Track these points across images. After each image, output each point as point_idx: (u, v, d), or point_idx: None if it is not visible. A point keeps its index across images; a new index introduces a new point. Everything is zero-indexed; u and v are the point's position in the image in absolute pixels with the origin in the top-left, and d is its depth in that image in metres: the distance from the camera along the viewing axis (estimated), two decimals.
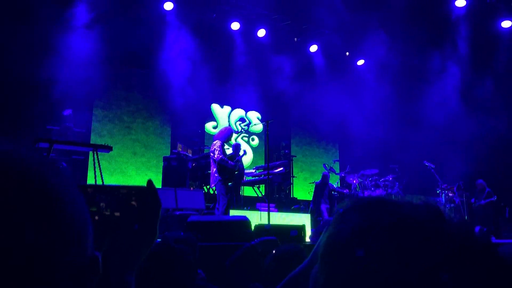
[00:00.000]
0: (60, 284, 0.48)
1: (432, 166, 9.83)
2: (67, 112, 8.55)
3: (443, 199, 9.60)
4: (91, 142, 8.87)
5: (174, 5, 10.19)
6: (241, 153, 7.53)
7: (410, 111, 12.12)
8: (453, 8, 11.27)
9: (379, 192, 9.97)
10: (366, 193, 9.96)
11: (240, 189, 9.45)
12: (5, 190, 0.45)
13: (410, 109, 12.14)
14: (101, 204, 0.90)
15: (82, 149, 6.89)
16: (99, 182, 6.14)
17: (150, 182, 0.94)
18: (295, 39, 11.96)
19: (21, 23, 7.96)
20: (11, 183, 0.46)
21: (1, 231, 0.43)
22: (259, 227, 5.70)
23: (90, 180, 8.46)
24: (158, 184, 9.54)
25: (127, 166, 10.23)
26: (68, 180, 0.52)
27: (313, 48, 12.25)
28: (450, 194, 9.69)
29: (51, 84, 8.37)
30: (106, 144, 6.32)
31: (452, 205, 9.59)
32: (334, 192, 9.81)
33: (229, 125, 11.78)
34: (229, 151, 7.76)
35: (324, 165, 10.66)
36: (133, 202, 0.91)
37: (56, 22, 8.73)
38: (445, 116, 11.31)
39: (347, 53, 12.73)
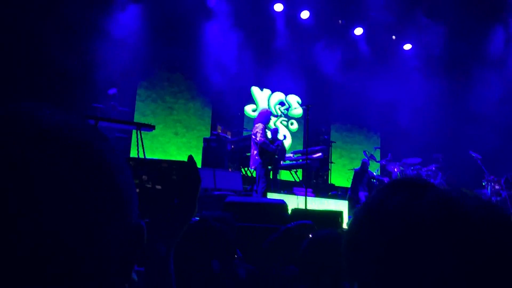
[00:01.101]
0: (111, 248, 0.50)
1: (479, 156, 9.44)
2: (112, 91, 8.78)
3: (489, 192, 9.23)
4: (135, 121, 9.12)
5: None
6: (280, 137, 7.52)
7: (457, 99, 11.64)
8: None
9: None
10: None
11: (277, 172, 9.47)
12: (63, 158, 0.47)
13: (457, 97, 11.66)
14: (143, 177, 0.93)
15: (126, 127, 7.09)
16: None
17: (191, 157, 0.95)
18: (340, 21, 11.69)
19: (64, 5, 8.22)
20: (69, 151, 0.48)
21: (61, 196, 0.46)
22: (296, 211, 5.71)
23: None
24: (198, 164, 9.68)
25: (169, 146, 10.47)
26: (116, 150, 0.54)
27: (358, 31, 11.93)
28: (496, 187, 9.29)
29: (97, 63, 8.63)
30: (149, 123, 6.48)
31: (499, 198, 9.20)
32: (373, 179, 9.64)
33: (269, 108, 11.75)
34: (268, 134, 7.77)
35: (364, 152, 10.47)
36: (174, 176, 0.93)
37: (100, 3, 8.96)
38: (494, 105, 10.78)
39: (394, 37, 12.31)
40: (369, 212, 0.62)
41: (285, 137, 7.82)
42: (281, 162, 9.68)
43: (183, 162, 0.96)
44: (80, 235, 0.46)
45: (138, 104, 10.40)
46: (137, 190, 0.92)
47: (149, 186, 0.94)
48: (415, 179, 0.64)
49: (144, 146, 6.41)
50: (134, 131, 7.80)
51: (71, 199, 0.46)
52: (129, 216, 0.53)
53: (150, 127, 6.41)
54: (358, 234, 0.62)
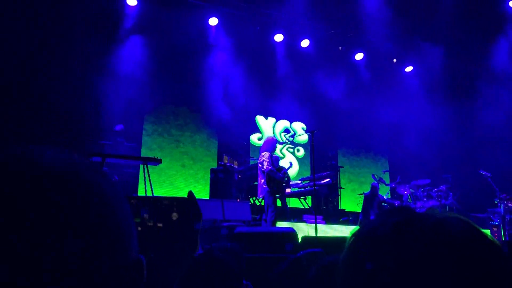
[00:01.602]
0: (110, 283, 0.51)
1: (488, 174, 9.32)
2: (119, 127, 8.91)
3: (502, 210, 9.07)
4: (142, 156, 9.18)
5: (218, 20, 10.43)
6: (284, 165, 7.51)
7: (463, 118, 11.61)
8: (508, 8, 10.75)
9: (432, 203, 9.60)
10: (419, 204, 9.62)
11: (285, 200, 9.42)
12: (61, 197, 0.50)
13: (463, 116, 11.63)
14: (145, 215, 0.94)
15: (133, 162, 7.15)
16: (149, 194, 6.33)
17: (190, 193, 0.97)
18: (340, 48, 11.86)
19: (69, 45, 8.44)
20: (68, 191, 0.51)
21: (60, 233, 0.48)
22: (306, 239, 5.64)
23: (141, 192, 8.75)
24: (205, 196, 9.71)
25: (176, 178, 10.50)
26: (116, 187, 0.57)
27: (359, 56, 12.08)
28: (509, 205, 9.13)
29: (102, 100, 8.79)
30: (155, 157, 6.53)
31: None
32: (384, 203, 9.54)
33: (274, 136, 11.81)
34: None
35: (373, 175, 10.42)
36: (175, 214, 0.94)
37: (105, 40, 9.19)
38: (502, 121, 10.73)
39: (395, 60, 12.44)
40: (356, 241, 0.64)
41: (291, 164, 7.81)
42: (288, 190, 9.65)
43: (183, 198, 0.97)
44: (78, 271, 0.48)
45: (145, 139, 10.50)
46: (139, 228, 0.93)
47: (150, 224, 0.95)
48: (405, 208, 0.66)
49: (152, 180, 6.44)
50: (141, 166, 7.86)
51: (69, 234, 0.48)
52: (129, 251, 0.54)
53: (157, 161, 6.45)
54: (348, 261, 0.63)
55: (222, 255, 1.75)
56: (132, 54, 9.66)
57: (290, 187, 9.96)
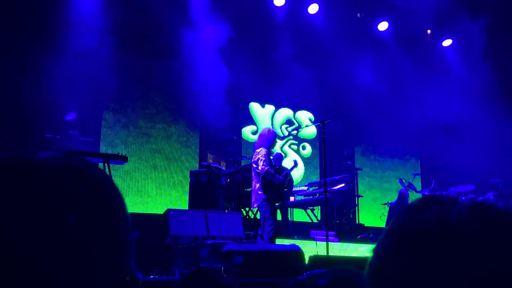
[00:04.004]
0: None
1: None
2: (71, 116, 8.88)
3: None
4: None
5: None
6: (287, 165, 7.55)
7: None
8: None
9: None
10: None
11: (287, 211, 9.46)
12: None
13: None
14: None
15: (90, 160, 7.15)
16: None
17: None
18: (358, 15, 11.91)
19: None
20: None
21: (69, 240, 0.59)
22: (315, 259, 5.69)
23: None
24: (184, 205, 9.73)
25: (146, 184, 10.50)
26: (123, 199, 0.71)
27: (383, 25, 12.15)
28: None
29: (49, 81, 8.75)
30: (120, 154, 6.55)
31: None
32: None
33: (273, 128, 11.85)
34: None
35: (400, 180, 10.48)
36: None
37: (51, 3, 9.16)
38: None
39: (429, 31, 12.52)
40: (388, 235, 0.69)
41: (295, 163, 7.81)
42: (291, 198, 9.67)
43: None
44: (73, 281, 0.58)
45: (105, 132, 10.50)
46: None
47: None
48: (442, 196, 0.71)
49: None
50: (100, 166, 7.83)
51: (70, 241, 0.59)
52: (126, 267, 0.64)
53: (122, 159, 6.47)
54: (380, 260, 0.68)
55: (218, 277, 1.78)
56: (88, 21, 9.62)
57: (293, 195, 10.02)
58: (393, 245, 0.67)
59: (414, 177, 11.15)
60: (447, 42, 12.67)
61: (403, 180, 10.42)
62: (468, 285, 0.59)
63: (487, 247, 0.60)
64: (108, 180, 0.70)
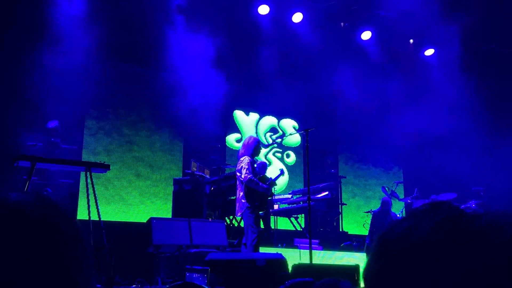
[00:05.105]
0: None
1: None
2: (52, 124, 8.80)
3: None
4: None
5: None
6: (273, 173, 7.56)
7: (498, 116, 11.86)
8: None
9: None
10: None
11: (269, 220, 9.46)
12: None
13: (498, 113, 11.89)
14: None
15: (72, 168, 7.06)
16: (93, 212, 6.28)
17: None
18: (342, 24, 12.01)
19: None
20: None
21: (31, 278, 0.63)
22: (299, 267, 5.70)
23: (82, 210, 8.67)
24: (167, 214, 9.69)
25: (129, 192, 10.44)
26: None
27: (366, 35, 12.26)
28: None
29: (31, 89, 8.68)
30: (102, 162, 6.49)
31: None
32: None
33: (257, 136, 11.85)
34: None
35: (383, 188, 10.56)
36: None
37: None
38: None
39: (411, 41, 12.66)
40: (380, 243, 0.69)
41: (282, 171, 7.84)
42: (275, 206, 9.69)
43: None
44: None
45: (87, 139, 10.42)
46: None
47: None
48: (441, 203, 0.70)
49: (97, 194, 6.39)
50: (82, 174, 7.77)
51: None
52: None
53: (104, 167, 6.41)
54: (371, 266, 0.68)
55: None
56: (71, 28, 9.57)
57: (276, 203, 10.04)
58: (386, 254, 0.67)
59: (397, 185, 11.24)
60: (429, 52, 12.81)
61: (386, 188, 10.49)
62: None
63: (464, 259, 0.60)
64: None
